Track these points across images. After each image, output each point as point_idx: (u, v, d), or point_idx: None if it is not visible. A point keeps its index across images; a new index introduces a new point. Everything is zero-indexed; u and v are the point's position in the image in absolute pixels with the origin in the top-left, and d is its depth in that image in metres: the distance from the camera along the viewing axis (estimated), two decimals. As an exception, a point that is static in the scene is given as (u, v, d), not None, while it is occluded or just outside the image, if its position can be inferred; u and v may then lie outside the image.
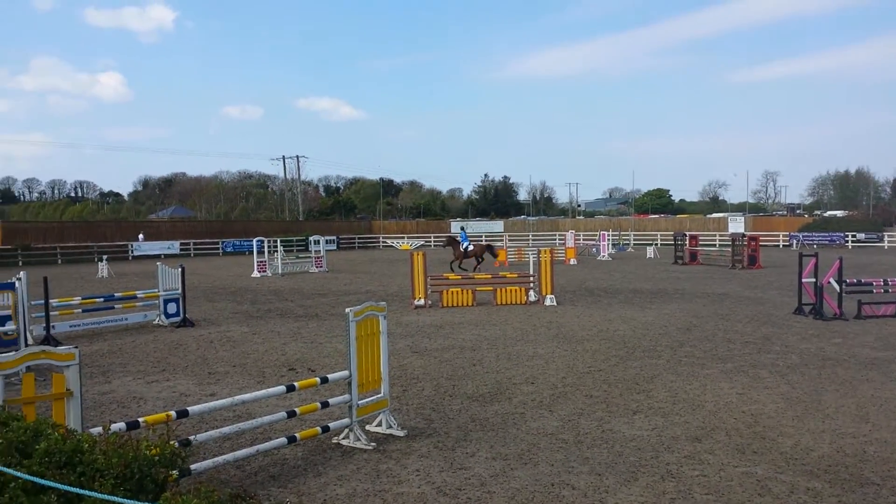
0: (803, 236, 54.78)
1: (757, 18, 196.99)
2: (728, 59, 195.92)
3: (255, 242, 31.92)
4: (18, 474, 3.03)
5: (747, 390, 9.17)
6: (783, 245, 54.91)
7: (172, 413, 5.75)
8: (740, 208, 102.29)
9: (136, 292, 16.22)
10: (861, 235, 53.93)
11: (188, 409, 5.93)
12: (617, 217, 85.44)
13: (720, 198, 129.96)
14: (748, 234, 38.91)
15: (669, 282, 25.31)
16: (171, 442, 3.63)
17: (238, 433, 6.56)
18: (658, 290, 22.41)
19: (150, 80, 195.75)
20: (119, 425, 5.35)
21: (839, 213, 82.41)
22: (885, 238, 53.13)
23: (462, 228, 34.19)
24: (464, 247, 29.94)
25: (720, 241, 52.81)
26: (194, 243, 51.57)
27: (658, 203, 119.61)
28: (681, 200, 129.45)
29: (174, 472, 3.26)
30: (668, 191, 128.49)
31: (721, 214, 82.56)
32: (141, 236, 51.65)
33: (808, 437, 7.19)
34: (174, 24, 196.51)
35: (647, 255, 42.14)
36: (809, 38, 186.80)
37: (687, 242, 35.95)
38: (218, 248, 52.32)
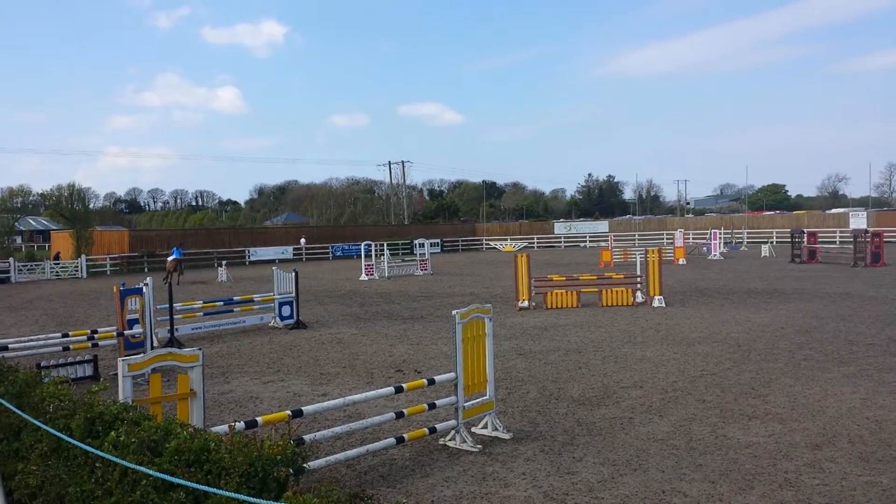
0: (936, 231, 50.99)
1: (874, 2, 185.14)
2: (845, 46, 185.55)
3: (362, 246, 32.70)
4: (150, 472, 3.25)
5: (871, 395, 8.67)
6: (913, 241, 51.36)
7: (288, 412, 6.00)
8: (862, 203, 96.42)
9: (254, 296, 16.95)
10: None
11: (303, 408, 6.17)
12: (729, 214, 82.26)
13: (840, 192, 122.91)
14: (871, 229, 36.62)
15: (786, 281, 24.17)
16: (290, 441, 3.80)
17: (349, 433, 6.76)
18: (774, 289, 21.45)
19: (264, 92, 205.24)
20: (239, 425, 5.63)
21: (976, 205, 76.24)
22: None
23: (180, 245, 34.84)
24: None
25: (841, 237, 49.94)
26: (306, 248, 53.34)
27: (773, 199, 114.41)
28: (797, 196, 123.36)
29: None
30: (784, 186, 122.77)
31: (841, 210, 77.98)
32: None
33: (942, 447, 6.73)
34: (284, 38, 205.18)
35: (762, 254, 40.37)
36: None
37: (805, 240, 34.22)
38: (328, 253, 53.90)
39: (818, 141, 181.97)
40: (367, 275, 31.18)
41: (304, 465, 3.41)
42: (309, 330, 15.78)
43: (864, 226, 51.65)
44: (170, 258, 31.24)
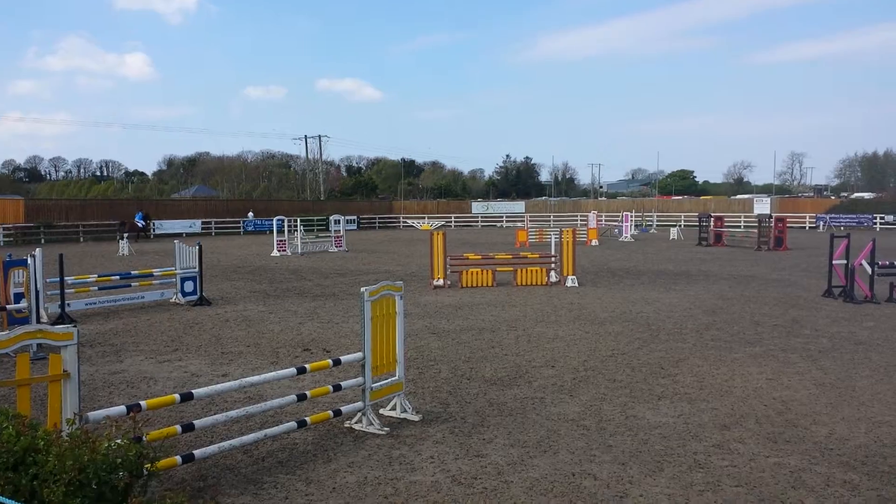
0: (830, 218, 53.76)
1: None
2: (754, 39, 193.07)
3: (275, 221, 31.79)
4: None
5: (777, 375, 8.80)
6: (809, 227, 53.97)
7: (176, 396, 5.52)
8: (765, 190, 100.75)
9: (153, 270, 16.08)
10: (889, 217, 52.83)
11: (193, 391, 5.69)
12: (640, 198, 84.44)
13: (745, 179, 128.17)
14: (774, 215, 38.13)
15: (694, 263, 24.81)
16: (147, 436, 3.36)
17: (246, 417, 6.31)
18: (682, 271, 21.95)
19: (176, 60, 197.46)
20: (119, 409, 5.12)
21: (867, 194, 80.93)
22: (916, 220, 51.99)
23: (140, 210, 46.33)
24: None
25: (745, 222, 51.94)
26: (216, 222, 51.68)
27: (682, 184, 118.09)
28: (705, 182, 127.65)
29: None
30: (693, 172, 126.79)
31: (746, 196, 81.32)
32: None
33: (842, 425, 6.82)
34: (197, 5, 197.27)
35: (671, 237, 41.53)
36: (836, 18, 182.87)
37: (711, 224, 35.31)
38: (239, 227, 52.39)
39: (725, 129, 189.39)
40: (279, 251, 30.34)
41: (157, 465, 2.95)
42: (213, 307, 15.07)
43: (767, 211, 53.86)
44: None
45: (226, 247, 36.24)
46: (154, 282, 15.60)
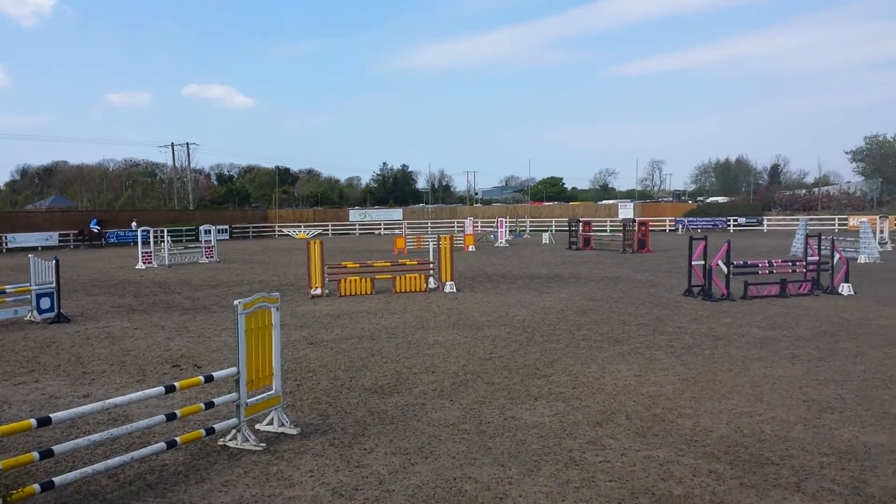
0: (688, 221, 57.18)
1: (641, 14, 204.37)
2: (616, 52, 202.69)
3: (139, 232, 30.27)
4: None
5: (644, 372, 9.23)
6: (669, 230, 57.14)
7: (33, 421, 5.12)
8: (629, 195, 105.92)
9: (6, 287, 14.91)
10: (742, 220, 56.85)
11: (51, 415, 5.29)
12: (513, 204, 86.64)
13: (610, 186, 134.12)
14: (638, 219, 40.10)
15: (565, 266, 25.67)
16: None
17: (111, 439, 5.95)
18: (554, 274, 22.66)
19: (30, 65, 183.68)
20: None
21: (721, 199, 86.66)
22: (765, 222, 56.20)
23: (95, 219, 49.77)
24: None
25: (611, 226, 54.33)
26: (74, 234, 48.62)
27: (552, 191, 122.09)
28: (573, 188, 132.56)
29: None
30: (562, 179, 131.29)
31: (611, 201, 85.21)
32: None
33: (706, 417, 7.23)
34: (53, 9, 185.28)
35: (543, 241, 42.82)
36: (690, 33, 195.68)
37: (580, 228, 36.69)
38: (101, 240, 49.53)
39: (591, 138, 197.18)
40: (144, 263, 28.93)
41: (10, 498, 2.73)
42: (72, 324, 14.15)
43: (631, 216, 56.61)
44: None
45: (86, 260, 34.18)
46: (7, 299, 14.45)
